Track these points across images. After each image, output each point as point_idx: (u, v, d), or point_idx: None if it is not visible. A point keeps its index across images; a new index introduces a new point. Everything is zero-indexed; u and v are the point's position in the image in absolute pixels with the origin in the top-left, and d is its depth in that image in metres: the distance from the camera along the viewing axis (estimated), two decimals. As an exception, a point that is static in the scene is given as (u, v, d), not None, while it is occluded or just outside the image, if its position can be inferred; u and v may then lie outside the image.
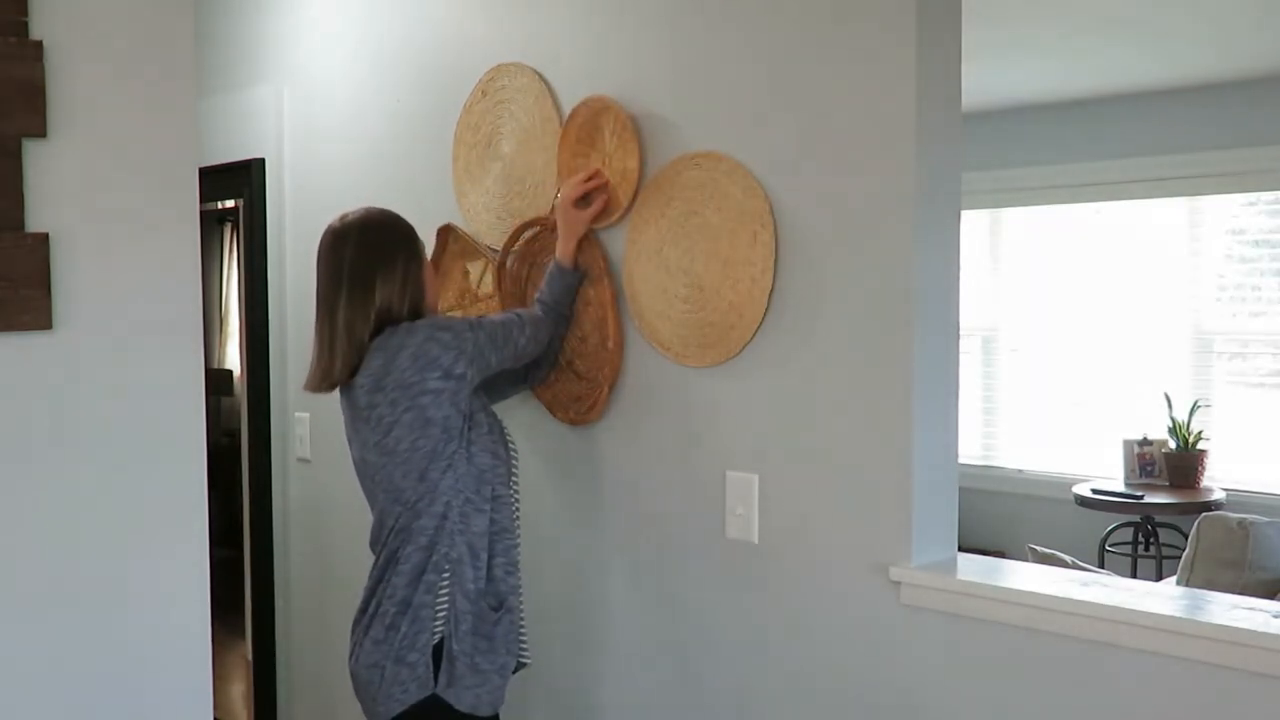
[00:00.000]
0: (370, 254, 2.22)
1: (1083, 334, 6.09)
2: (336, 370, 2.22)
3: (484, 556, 2.20)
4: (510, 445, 2.32)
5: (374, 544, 2.26)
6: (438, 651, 2.15)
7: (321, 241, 2.27)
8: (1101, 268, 6.02)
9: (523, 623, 2.29)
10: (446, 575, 2.16)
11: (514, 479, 2.31)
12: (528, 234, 2.59)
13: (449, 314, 2.68)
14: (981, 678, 1.95)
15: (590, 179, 2.41)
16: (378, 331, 2.19)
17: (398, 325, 2.19)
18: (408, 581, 2.16)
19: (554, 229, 2.47)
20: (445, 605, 2.15)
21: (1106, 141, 5.85)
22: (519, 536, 2.31)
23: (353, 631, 2.26)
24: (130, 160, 1.84)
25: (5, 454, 1.75)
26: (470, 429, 2.20)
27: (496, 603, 2.21)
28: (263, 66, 3.47)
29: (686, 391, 2.33)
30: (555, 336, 2.49)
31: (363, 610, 2.24)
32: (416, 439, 2.15)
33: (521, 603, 2.30)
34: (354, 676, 2.24)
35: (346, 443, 2.30)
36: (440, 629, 2.15)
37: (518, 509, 2.32)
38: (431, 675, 2.14)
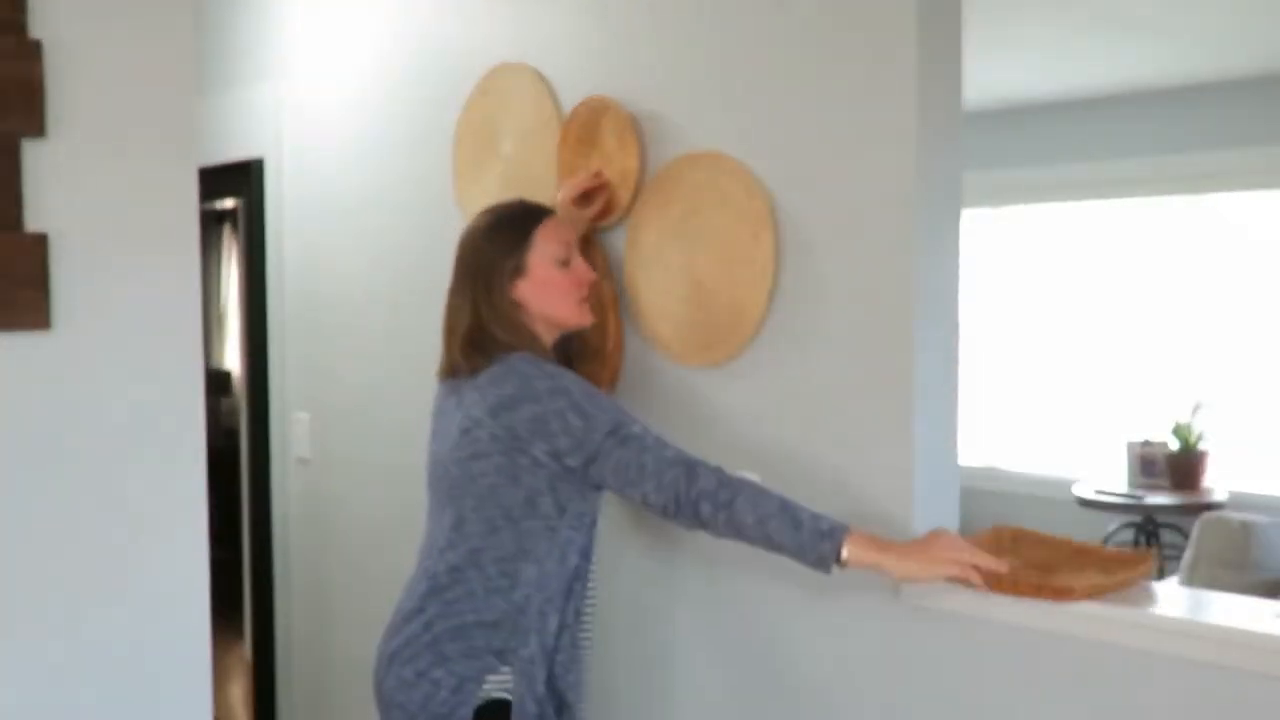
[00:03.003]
0: (472, 259, 2.11)
1: (1084, 334, 6.09)
2: (442, 369, 2.15)
3: (552, 654, 2.04)
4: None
5: (423, 555, 2.14)
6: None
7: None
8: (1102, 267, 6.02)
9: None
10: (508, 670, 2.01)
11: (593, 567, 2.14)
12: None
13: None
14: (983, 679, 1.95)
15: (591, 179, 2.40)
16: (471, 350, 2.06)
17: (553, 362, 2.04)
18: (452, 639, 2.02)
19: None
20: (501, 687, 2.01)
21: (1107, 141, 5.85)
22: (587, 631, 2.14)
23: (383, 641, 2.11)
24: (130, 160, 1.84)
25: (4, 454, 1.75)
26: (572, 529, 2.03)
27: (557, 702, 2.06)
28: (262, 66, 3.47)
29: (686, 391, 2.33)
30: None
31: (394, 629, 2.09)
32: (499, 486, 2.00)
33: (581, 699, 2.13)
34: (377, 694, 2.11)
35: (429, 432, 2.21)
36: (486, 697, 2.00)
37: (592, 604, 2.15)
38: None
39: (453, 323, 2.12)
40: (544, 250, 2.11)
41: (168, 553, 1.88)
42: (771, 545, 1.87)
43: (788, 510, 1.87)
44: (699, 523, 1.91)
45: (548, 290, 2.11)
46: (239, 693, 3.79)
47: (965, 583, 1.86)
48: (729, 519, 1.88)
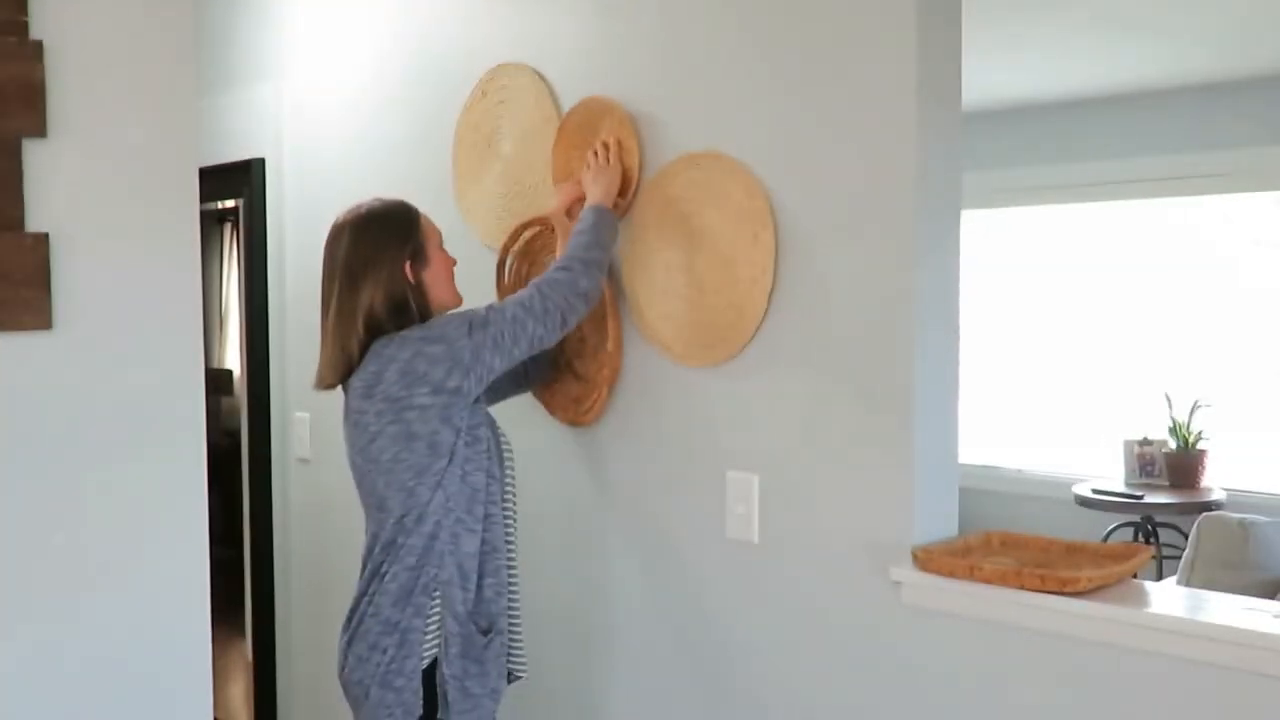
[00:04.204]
0: (360, 254, 2.13)
1: (1083, 333, 6.09)
2: (325, 373, 2.18)
3: (474, 578, 2.14)
4: (508, 460, 2.24)
5: (365, 553, 2.23)
6: (427, 676, 2.09)
7: (327, 237, 2.22)
8: (1102, 267, 6.02)
9: (517, 638, 2.25)
10: (436, 596, 2.10)
11: (509, 495, 2.23)
12: (528, 233, 2.58)
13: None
14: (982, 678, 1.95)
15: (579, 189, 2.41)
16: (368, 337, 2.12)
17: (393, 334, 2.11)
18: (394, 601, 2.10)
19: (554, 230, 2.47)
20: (435, 628, 2.10)
21: (1107, 141, 5.84)
22: (513, 555, 2.25)
23: (341, 636, 2.21)
24: (130, 160, 1.84)
25: (4, 454, 1.75)
26: (466, 445, 2.12)
27: (487, 624, 2.15)
28: (263, 66, 3.47)
29: (686, 391, 2.33)
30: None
31: (349, 619, 2.19)
32: (399, 452, 2.09)
33: (514, 623, 2.24)
34: (343, 687, 2.20)
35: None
36: (430, 653, 2.09)
37: (513, 527, 2.25)
38: (419, 701, 2.08)
39: (349, 322, 2.12)
40: (432, 235, 2.22)
41: (168, 552, 1.89)
42: (606, 258, 2.27)
43: (587, 241, 2.24)
44: (581, 306, 2.20)
45: (442, 273, 2.22)
46: (239, 693, 3.79)
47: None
48: (587, 282, 2.20)
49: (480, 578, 2.15)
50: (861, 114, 2.04)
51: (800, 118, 2.13)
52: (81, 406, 1.81)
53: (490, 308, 2.15)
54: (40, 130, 1.74)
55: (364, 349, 2.13)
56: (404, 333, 2.11)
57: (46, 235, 1.75)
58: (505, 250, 2.62)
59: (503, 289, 2.63)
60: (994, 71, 5.15)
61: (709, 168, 2.24)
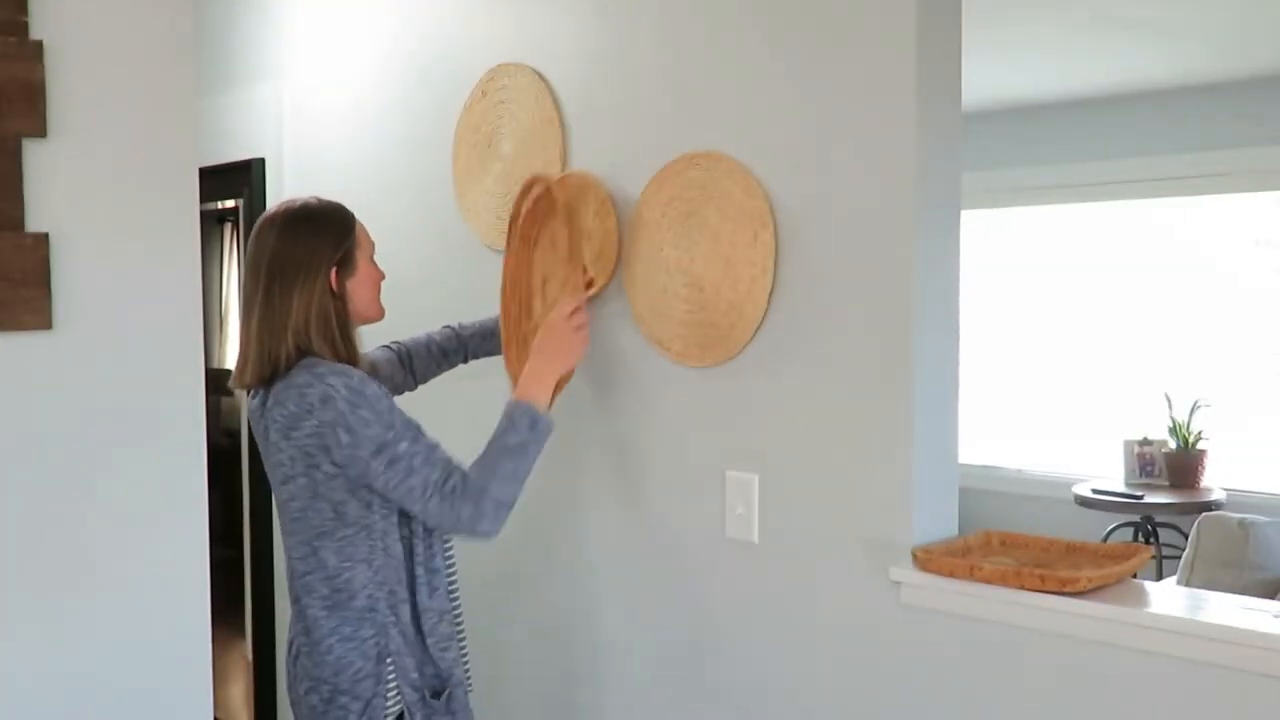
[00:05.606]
0: (290, 253, 2.01)
1: (1083, 333, 6.10)
2: (247, 375, 2.04)
3: (418, 640, 2.06)
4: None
5: (287, 577, 2.15)
6: None
7: (254, 227, 2.09)
8: (1101, 267, 6.03)
9: (466, 666, 2.18)
10: (391, 663, 2.03)
11: (450, 555, 2.14)
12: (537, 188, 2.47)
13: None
14: (981, 678, 1.95)
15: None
16: (298, 353, 2.00)
17: (320, 361, 1.99)
18: (338, 668, 2.03)
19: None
20: (395, 695, 2.04)
21: (1106, 141, 5.85)
22: (456, 606, 2.16)
23: (288, 657, 2.17)
24: (130, 160, 1.84)
25: (4, 454, 1.75)
26: (383, 518, 2.02)
27: (440, 684, 2.08)
28: (263, 65, 3.47)
29: (686, 391, 2.33)
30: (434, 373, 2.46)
31: (290, 643, 2.14)
32: (305, 507, 2.01)
33: (468, 673, 2.17)
34: (294, 710, 2.15)
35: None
36: (393, 710, 2.04)
37: (453, 577, 2.15)
38: None
39: (277, 329, 2.00)
40: (365, 245, 2.11)
41: (168, 552, 1.89)
42: (525, 471, 2.03)
43: (502, 448, 2.02)
44: (477, 527, 1.99)
45: (368, 284, 2.10)
46: (239, 693, 3.79)
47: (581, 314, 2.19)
48: (493, 502, 1.99)
49: (423, 637, 2.07)
50: (861, 114, 2.04)
51: (800, 117, 2.13)
52: (81, 406, 1.81)
53: (409, 454, 1.95)
54: (40, 130, 1.74)
55: (291, 363, 2.00)
56: (335, 383, 1.95)
57: (46, 235, 1.75)
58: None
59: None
60: (994, 71, 5.15)
61: (709, 168, 2.24)
